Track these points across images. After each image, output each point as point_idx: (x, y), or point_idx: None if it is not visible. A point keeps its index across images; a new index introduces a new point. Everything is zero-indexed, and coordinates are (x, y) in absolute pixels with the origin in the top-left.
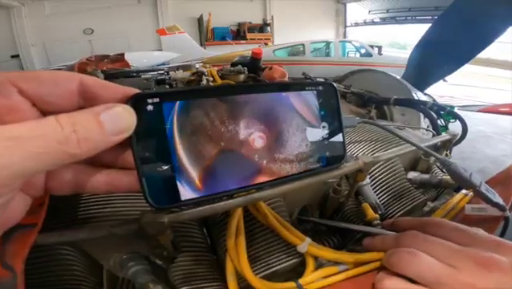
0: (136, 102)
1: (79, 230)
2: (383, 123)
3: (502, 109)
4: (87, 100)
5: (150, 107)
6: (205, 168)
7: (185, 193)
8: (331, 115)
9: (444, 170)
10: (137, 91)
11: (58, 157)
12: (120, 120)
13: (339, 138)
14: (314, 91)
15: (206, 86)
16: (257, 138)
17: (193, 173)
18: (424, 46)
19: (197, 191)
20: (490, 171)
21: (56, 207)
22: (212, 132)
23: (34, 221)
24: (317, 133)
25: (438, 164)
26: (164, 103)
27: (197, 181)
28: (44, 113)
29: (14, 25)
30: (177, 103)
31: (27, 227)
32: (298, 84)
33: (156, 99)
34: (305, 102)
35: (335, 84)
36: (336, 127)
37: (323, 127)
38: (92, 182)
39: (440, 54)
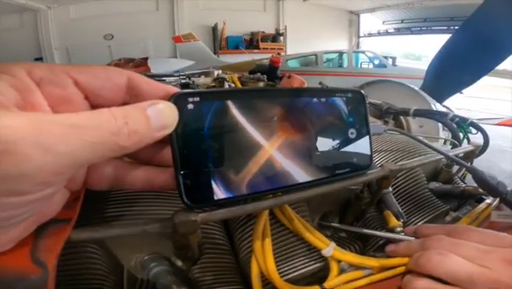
0: (177, 100)
1: (112, 227)
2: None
3: None
4: (132, 96)
5: (190, 106)
6: (239, 168)
7: (219, 192)
8: (359, 122)
9: (465, 182)
10: (178, 89)
11: (110, 148)
12: (164, 116)
13: (366, 144)
14: (344, 98)
15: (244, 88)
16: (290, 142)
17: (227, 173)
18: (443, 56)
19: (229, 191)
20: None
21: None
22: (247, 133)
23: (68, 216)
24: (345, 139)
25: (459, 175)
26: (204, 103)
27: (230, 182)
28: (92, 106)
29: (40, 28)
30: (216, 103)
31: (61, 222)
32: (330, 91)
33: (197, 98)
34: (335, 108)
35: (363, 92)
36: (364, 133)
37: (352, 133)
38: (131, 178)
39: (460, 65)
